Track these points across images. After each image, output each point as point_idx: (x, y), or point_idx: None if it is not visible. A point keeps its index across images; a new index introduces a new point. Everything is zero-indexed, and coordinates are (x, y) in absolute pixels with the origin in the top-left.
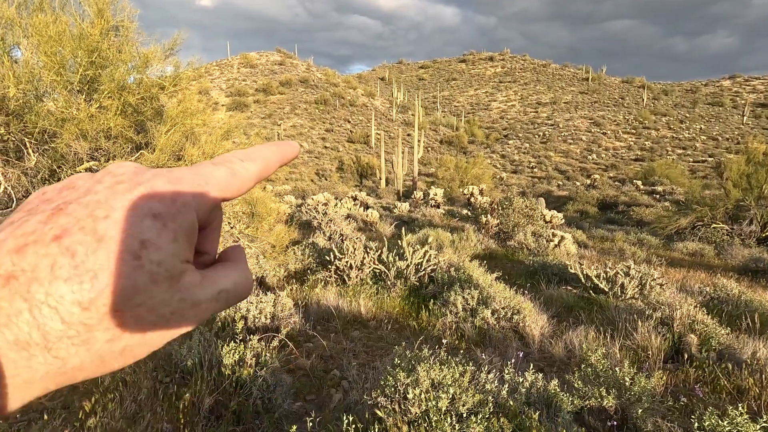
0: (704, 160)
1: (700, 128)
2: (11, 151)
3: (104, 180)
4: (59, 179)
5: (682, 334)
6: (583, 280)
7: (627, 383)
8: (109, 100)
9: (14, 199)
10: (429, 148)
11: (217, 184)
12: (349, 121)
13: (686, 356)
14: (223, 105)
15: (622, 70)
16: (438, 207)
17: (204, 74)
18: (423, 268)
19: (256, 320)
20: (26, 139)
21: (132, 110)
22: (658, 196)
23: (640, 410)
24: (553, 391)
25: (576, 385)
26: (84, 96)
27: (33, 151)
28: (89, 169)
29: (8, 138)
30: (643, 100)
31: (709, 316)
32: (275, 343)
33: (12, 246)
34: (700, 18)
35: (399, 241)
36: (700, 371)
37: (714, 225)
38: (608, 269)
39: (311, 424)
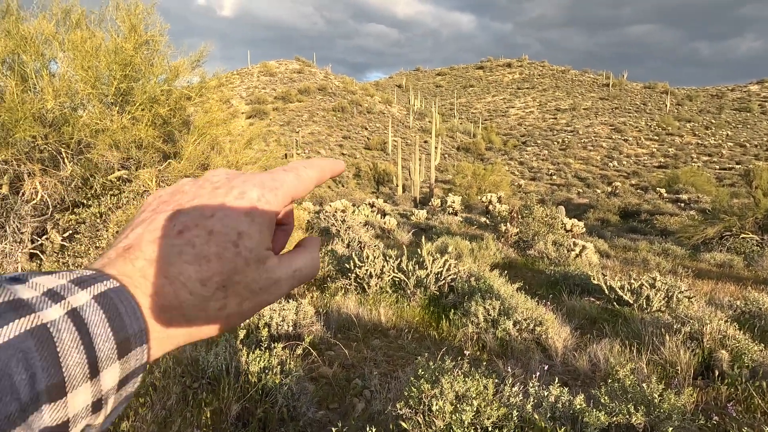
0: (731, 167)
1: (727, 134)
2: (48, 161)
3: (205, 185)
4: (92, 187)
5: (713, 350)
6: (606, 292)
7: (656, 400)
8: (141, 112)
9: (50, 206)
10: (446, 155)
11: (288, 186)
12: (366, 128)
13: (717, 373)
14: (243, 113)
15: (643, 75)
16: (455, 214)
17: (225, 83)
18: (443, 277)
19: (279, 328)
20: (63, 149)
21: (161, 121)
22: (682, 204)
23: (671, 429)
24: (579, 407)
25: (603, 400)
26: (117, 108)
27: (69, 161)
28: (120, 178)
29: (46, 148)
30: (666, 105)
31: (741, 332)
32: (299, 350)
33: (150, 239)
34: (727, 21)
35: (418, 249)
36: (733, 389)
37: (743, 235)
38: (633, 280)
39: None
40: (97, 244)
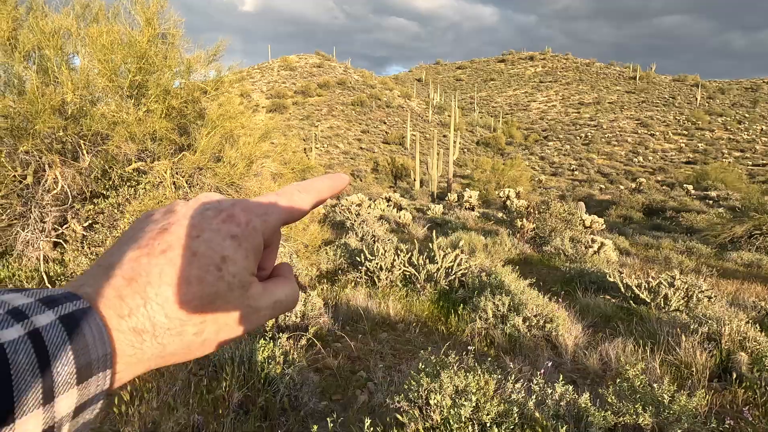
0: (765, 163)
1: (761, 129)
2: (68, 153)
3: (196, 207)
4: (110, 178)
5: (731, 352)
6: (622, 290)
7: (666, 401)
8: (155, 104)
9: (69, 196)
10: (465, 150)
11: (279, 212)
12: (384, 123)
13: (735, 376)
14: (263, 107)
15: (673, 67)
16: (472, 209)
17: (246, 77)
18: (453, 271)
19: (287, 318)
20: (81, 141)
21: (176, 113)
22: (711, 201)
23: (679, 431)
24: (584, 405)
25: (609, 400)
26: (133, 101)
27: (87, 153)
28: (136, 170)
29: (66, 140)
30: (696, 99)
31: (763, 333)
32: (303, 341)
33: (132, 257)
34: (762, 11)
35: (430, 244)
36: (750, 392)
37: None
38: (651, 279)
39: (332, 424)
40: (115, 234)
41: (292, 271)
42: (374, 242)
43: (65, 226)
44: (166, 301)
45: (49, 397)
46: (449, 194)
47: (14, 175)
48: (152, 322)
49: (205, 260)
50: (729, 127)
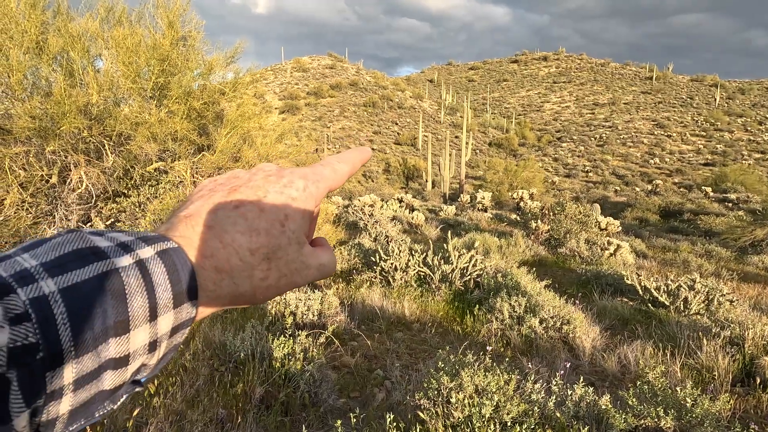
0: None
1: None
2: (92, 152)
3: (258, 173)
4: (131, 178)
5: (755, 356)
6: (640, 292)
7: (688, 404)
8: (177, 105)
9: (93, 195)
10: (477, 151)
11: (326, 179)
12: (396, 123)
13: (759, 380)
14: (276, 108)
15: (691, 67)
16: (485, 211)
17: (259, 79)
18: (468, 272)
19: (304, 317)
20: (105, 141)
21: (196, 114)
22: (730, 204)
23: None
24: (604, 407)
25: (630, 402)
26: (155, 102)
27: (110, 152)
28: (157, 170)
29: (90, 140)
30: (715, 99)
31: None
32: (322, 339)
33: (208, 209)
34: None
35: (444, 245)
36: None
37: None
38: (670, 282)
39: (355, 420)
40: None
41: (328, 242)
42: (388, 243)
43: (89, 224)
44: (240, 247)
45: (153, 316)
46: (462, 195)
47: (41, 175)
48: (230, 263)
49: (271, 216)
50: (749, 128)
